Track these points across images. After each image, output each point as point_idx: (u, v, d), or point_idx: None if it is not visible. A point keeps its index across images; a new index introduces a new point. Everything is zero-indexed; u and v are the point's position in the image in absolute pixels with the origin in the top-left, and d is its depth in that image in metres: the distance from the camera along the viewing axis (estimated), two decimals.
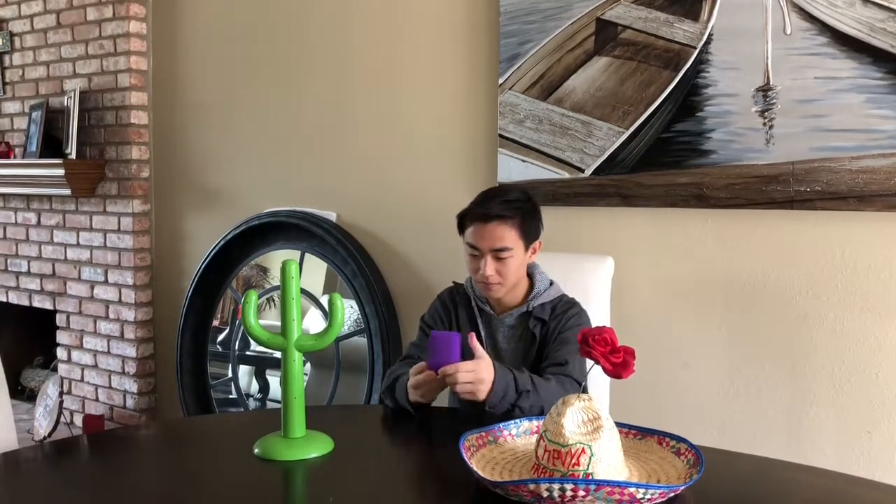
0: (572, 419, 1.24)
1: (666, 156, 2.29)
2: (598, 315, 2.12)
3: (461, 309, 1.98)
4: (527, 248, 1.88)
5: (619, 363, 1.30)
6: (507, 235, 1.83)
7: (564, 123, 2.45)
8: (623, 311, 2.33)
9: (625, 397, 2.16)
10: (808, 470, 1.51)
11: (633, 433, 1.42)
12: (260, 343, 1.54)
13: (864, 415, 2.09)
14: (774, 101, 2.12)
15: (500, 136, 2.57)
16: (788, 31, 2.10)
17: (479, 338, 1.88)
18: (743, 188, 2.17)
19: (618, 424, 1.31)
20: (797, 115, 2.09)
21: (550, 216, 2.52)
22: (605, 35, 2.38)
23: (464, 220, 1.90)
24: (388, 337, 2.85)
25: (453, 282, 2.07)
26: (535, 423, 1.46)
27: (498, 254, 1.83)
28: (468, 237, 1.88)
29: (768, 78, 2.13)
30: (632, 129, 2.34)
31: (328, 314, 1.58)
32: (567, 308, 1.90)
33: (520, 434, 1.45)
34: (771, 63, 2.12)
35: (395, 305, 2.91)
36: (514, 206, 1.86)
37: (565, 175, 2.46)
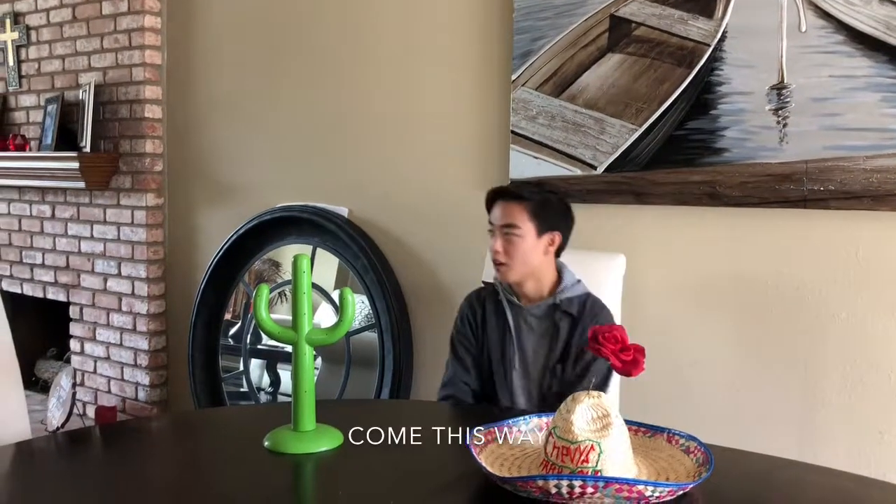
0: (582, 416, 1.24)
1: (679, 153, 2.28)
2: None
3: (489, 303, 2.03)
4: (539, 234, 1.93)
5: (629, 361, 1.30)
6: (518, 215, 1.92)
7: (577, 120, 2.45)
8: (634, 309, 2.32)
9: (635, 395, 2.16)
10: (818, 470, 1.51)
11: (643, 431, 1.42)
12: (271, 337, 1.55)
13: (875, 415, 2.08)
14: (789, 99, 2.11)
15: (513, 132, 2.57)
16: (803, 29, 2.09)
17: (506, 329, 1.96)
18: (756, 187, 2.16)
19: (627, 422, 1.31)
20: (811, 113, 2.08)
21: None
22: (619, 32, 2.37)
23: (489, 202, 2.01)
24: (398, 332, 2.85)
25: (483, 281, 2.12)
26: (545, 420, 1.46)
27: (506, 231, 1.92)
28: (490, 217, 1.99)
29: (783, 76, 2.12)
30: (645, 126, 2.33)
31: (339, 309, 1.59)
32: (597, 312, 1.94)
33: (529, 430, 1.45)
34: (785, 61, 2.11)
35: (406, 301, 2.91)
36: (530, 192, 1.97)
37: (577, 172, 2.46)
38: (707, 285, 2.32)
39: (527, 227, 1.92)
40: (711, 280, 2.31)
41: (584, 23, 2.42)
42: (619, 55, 2.37)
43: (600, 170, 2.41)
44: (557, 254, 1.99)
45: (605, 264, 2.22)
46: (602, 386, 1.86)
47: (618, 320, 2.11)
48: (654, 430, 1.42)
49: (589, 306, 1.95)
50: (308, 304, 1.52)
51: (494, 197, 1.98)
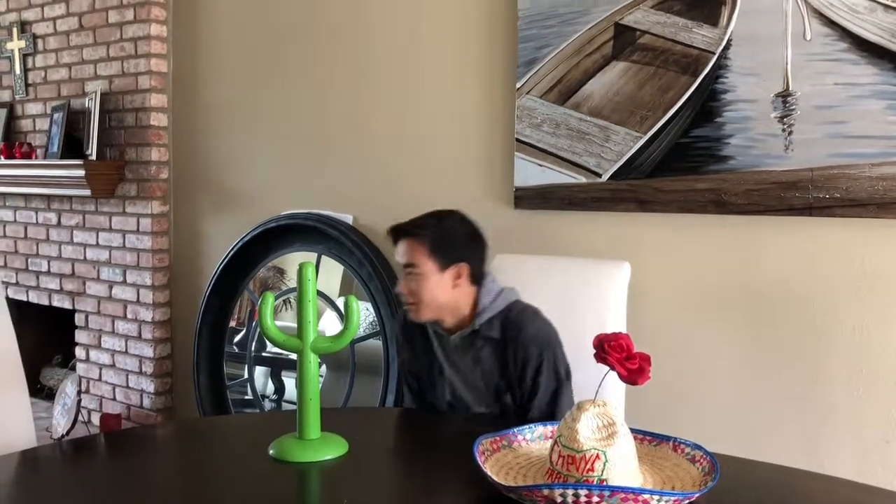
0: (587, 425, 1.24)
1: (684, 161, 2.28)
2: (614, 321, 2.11)
3: (416, 333, 1.97)
4: (441, 270, 1.84)
5: (634, 370, 1.30)
6: (417, 254, 1.84)
7: (582, 128, 2.45)
8: (639, 317, 2.31)
9: (640, 403, 2.15)
10: (824, 479, 1.50)
11: (648, 439, 1.42)
12: (276, 345, 1.55)
13: (882, 424, 2.07)
14: (794, 106, 2.11)
15: (518, 140, 2.57)
16: (808, 37, 2.09)
17: (436, 360, 1.92)
18: (761, 194, 2.16)
19: (633, 430, 1.31)
20: (817, 120, 2.08)
21: (567, 221, 2.53)
22: (624, 40, 2.37)
23: (392, 240, 1.93)
24: None
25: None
26: (550, 429, 1.46)
27: (409, 270, 1.85)
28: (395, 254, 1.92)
29: (788, 83, 2.12)
30: (649, 134, 2.33)
31: (344, 317, 1.59)
32: (520, 323, 1.86)
33: (534, 439, 1.45)
34: (790, 69, 2.11)
35: None
36: (425, 227, 1.87)
37: (582, 180, 2.46)
38: (712, 293, 2.31)
39: (427, 266, 1.83)
40: (717, 288, 2.30)
41: (588, 31, 2.42)
42: (623, 63, 2.37)
43: (605, 177, 2.41)
44: (476, 281, 1.89)
45: (610, 272, 2.21)
46: (552, 407, 1.82)
47: (622, 328, 2.10)
48: (660, 438, 1.41)
49: (513, 321, 1.86)
50: (313, 312, 1.52)
51: (394, 235, 1.90)
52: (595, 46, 2.42)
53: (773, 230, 2.19)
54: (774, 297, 2.21)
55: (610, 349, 1.30)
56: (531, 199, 2.56)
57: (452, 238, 1.89)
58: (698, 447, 1.35)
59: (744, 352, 2.27)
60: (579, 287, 2.18)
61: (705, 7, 2.24)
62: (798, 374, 2.18)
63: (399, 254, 1.88)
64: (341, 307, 3.03)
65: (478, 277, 1.90)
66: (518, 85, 2.56)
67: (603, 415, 1.25)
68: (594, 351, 1.33)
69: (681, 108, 2.28)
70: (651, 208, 2.35)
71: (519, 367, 1.84)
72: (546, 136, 2.51)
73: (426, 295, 1.84)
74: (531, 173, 2.54)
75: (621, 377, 1.31)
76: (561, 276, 2.22)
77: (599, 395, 1.32)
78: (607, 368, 1.31)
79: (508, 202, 2.63)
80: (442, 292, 1.85)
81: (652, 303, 2.38)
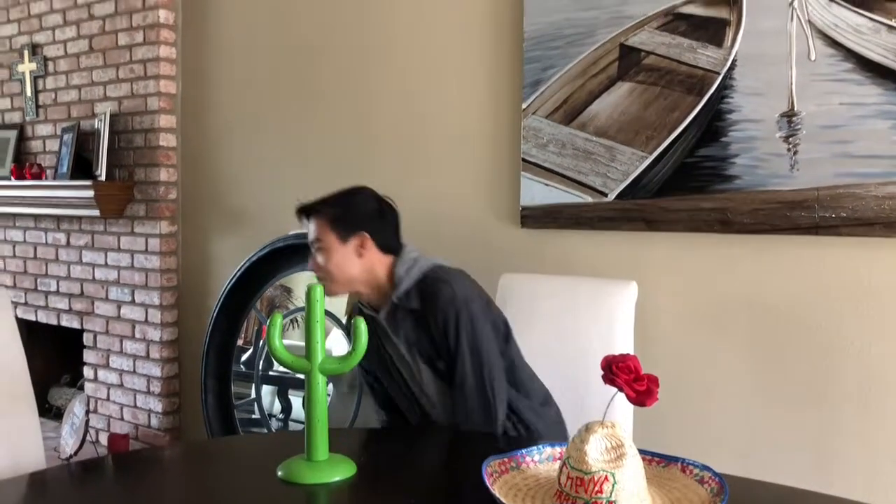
0: (595, 446, 1.24)
1: (690, 181, 2.29)
2: (622, 341, 2.11)
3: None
4: (343, 241, 1.88)
5: (642, 391, 1.30)
6: (320, 229, 1.88)
7: (588, 148, 2.46)
8: (647, 337, 2.32)
9: (648, 424, 2.15)
10: (833, 500, 1.49)
11: (657, 460, 1.41)
12: (285, 366, 1.56)
13: (891, 443, 2.06)
14: (799, 126, 2.12)
15: (524, 160, 2.59)
16: (813, 57, 2.10)
17: (384, 351, 1.95)
18: (768, 214, 2.17)
19: (641, 451, 1.31)
20: (822, 140, 2.09)
21: (573, 240, 2.54)
22: (629, 60, 2.39)
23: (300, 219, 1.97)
24: None
25: None
26: (559, 450, 1.46)
27: (316, 246, 1.90)
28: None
29: (793, 103, 2.13)
30: (655, 153, 2.34)
31: (352, 337, 1.60)
32: (435, 291, 1.85)
33: (543, 460, 1.45)
34: (795, 89, 2.12)
35: None
36: (326, 202, 1.92)
37: (588, 199, 2.47)
38: (720, 312, 2.31)
39: (329, 239, 1.87)
40: (724, 307, 2.30)
41: (593, 52, 2.44)
42: (629, 83, 2.39)
43: (611, 197, 2.42)
44: (388, 251, 1.92)
45: (617, 291, 2.22)
46: (479, 369, 1.83)
47: (630, 349, 2.10)
48: (668, 459, 1.41)
49: (429, 288, 1.85)
50: (321, 333, 1.53)
51: (298, 213, 1.94)
52: (600, 67, 2.43)
53: (780, 249, 2.19)
54: (781, 316, 2.21)
55: (618, 371, 1.30)
56: (538, 218, 2.57)
57: (353, 211, 1.91)
58: (707, 468, 1.35)
59: (751, 371, 2.26)
60: (587, 306, 2.18)
61: (710, 28, 2.26)
62: (806, 392, 2.18)
63: (308, 231, 1.92)
64: (345, 322, 3.03)
65: (389, 248, 1.92)
66: (524, 105, 2.58)
67: (611, 436, 1.25)
68: (602, 372, 1.34)
69: (686, 127, 2.29)
70: (658, 227, 2.36)
71: (441, 333, 1.84)
72: (552, 155, 2.52)
73: (333, 268, 1.87)
74: (537, 192, 2.56)
75: (629, 399, 1.31)
76: (568, 296, 2.22)
77: (608, 415, 1.32)
78: (615, 390, 1.31)
79: (515, 221, 2.64)
80: (349, 264, 1.88)
81: (659, 322, 2.38)
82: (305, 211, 1.93)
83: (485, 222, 2.73)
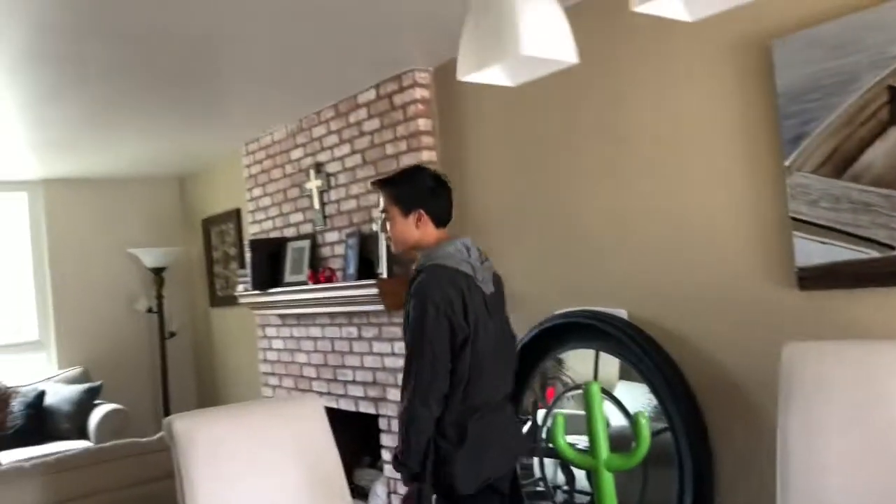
0: None
1: None
2: None
3: None
4: (404, 214, 2.40)
5: None
6: (386, 202, 2.44)
7: (864, 199, 2.29)
8: None
9: None
10: None
11: None
12: (569, 462, 1.62)
13: None
14: None
15: (793, 218, 2.46)
16: None
17: None
18: None
19: None
20: None
21: (857, 299, 2.36)
22: None
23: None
24: (692, 433, 2.77)
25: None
26: None
27: (384, 215, 2.45)
28: None
29: None
30: None
31: (634, 433, 1.62)
32: (413, 280, 2.33)
33: None
34: None
35: (698, 400, 2.83)
36: (391, 180, 2.49)
37: (874, 254, 2.28)
38: None
39: (394, 211, 2.41)
40: None
41: (858, 99, 2.29)
42: None
43: None
44: (441, 223, 2.44)
45: None
46: (411, 347, 2.29)
47: None
48: None
49: (414, 278, 2.33)
50: (602, 430, 1.57)
51: (373, 186, 2.56)
52: (869, 113, 2.27)
53: None
54: None
55: None
56: (817, 278, 2.41)
57: (414, 189, 2.42)
58: None
59: None
60: (886, 374, 2.01)
61: None
62: None
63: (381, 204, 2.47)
64: (618, 396, 3.02)
65: (441, 220, 2.44)
66: (787, 163, 2.47)
67: None
68: None
69: None
70: None
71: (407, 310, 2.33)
72: (825, 211, 2.38)
73: (397, 234, 2.43)
74: (814, 251, 2.41)
75: None
76: (864, 363, 2.06)
77: None
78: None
79: (791, 283, 2.50)
80: (407, 233, 2.42)
81: None
82: (377, 184, 2.49)
83: (756, 288, 2.62)
